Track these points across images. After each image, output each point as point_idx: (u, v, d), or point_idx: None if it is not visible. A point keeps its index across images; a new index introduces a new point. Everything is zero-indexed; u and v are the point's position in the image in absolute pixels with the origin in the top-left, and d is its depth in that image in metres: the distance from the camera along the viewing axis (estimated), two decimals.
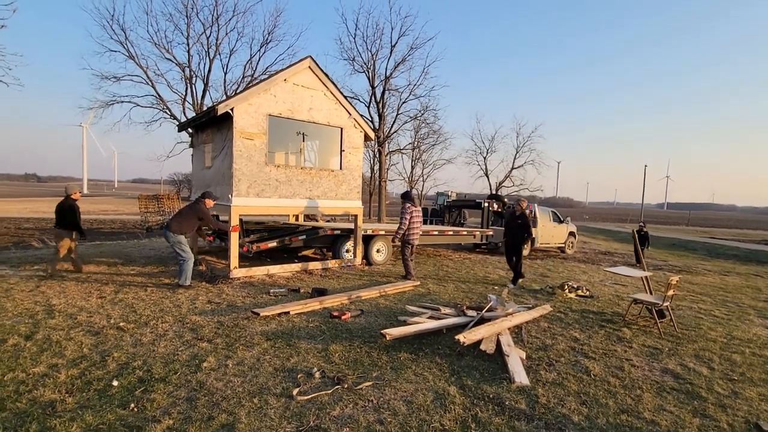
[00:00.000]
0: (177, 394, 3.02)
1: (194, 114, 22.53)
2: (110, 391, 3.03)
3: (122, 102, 21.89)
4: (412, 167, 33.83)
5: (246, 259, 8.40)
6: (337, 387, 3.22)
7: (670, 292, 5.00)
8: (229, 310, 5.26)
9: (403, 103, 25.49)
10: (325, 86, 7.83)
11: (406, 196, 7.52)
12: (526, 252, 12.57)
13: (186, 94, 22.21)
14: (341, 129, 8.17)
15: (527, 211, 7.90)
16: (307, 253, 9.80)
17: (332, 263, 8.36)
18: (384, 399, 3.08)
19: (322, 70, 7.75)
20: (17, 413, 2.69)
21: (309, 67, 7.57)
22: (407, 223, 7.21)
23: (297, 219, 10.44)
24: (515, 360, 3.82)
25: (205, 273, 7.35)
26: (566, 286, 7.18)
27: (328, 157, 8.61)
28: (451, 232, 11.14)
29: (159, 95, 21.81)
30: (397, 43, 24.04)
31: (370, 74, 24.57)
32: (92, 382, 3.15)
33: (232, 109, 6.67)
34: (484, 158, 34.91)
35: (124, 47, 20.71)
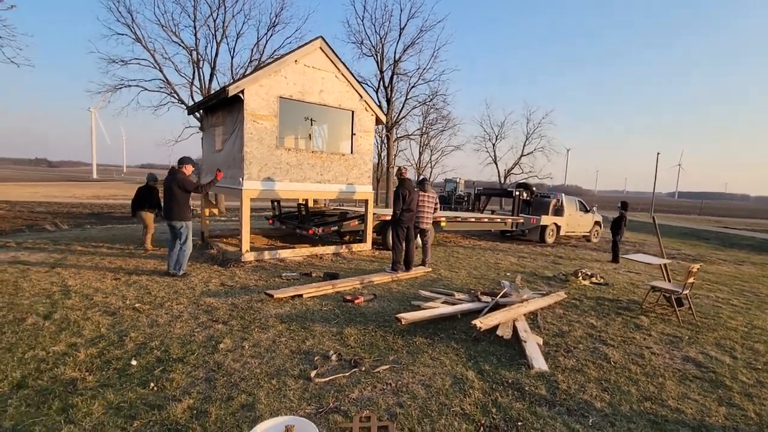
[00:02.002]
0: (195, 375, 3.02)
1: (202, 97, 22.43)
2: (129, 371, 3.04)
3: (130, 86, 21.79)
4: (420, 153, 33.54)
5: (268, 242, 8.44)
6: (354, 370, 3.20)
7: (690, 280, 4.89)
8: (243, 292, 5.26)
9: (412, 87, 25.09)
10: (337, 68, 7.67)
11: (421, 183, 7.38)
12: (550, 239, 12.57)
13: (193, 78, 22.04)
14: (352, 112, 8.03)
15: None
16: (349, 237, 9.85)
17: (342, 248, 8.33)
18: (402, 382, 3.05)
19: (333, 51, 7.58)
20: (39, 390, 2.71)
21: (320, 47, 7.41)
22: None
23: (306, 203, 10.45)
24: (533, 346, 3.77)
25: (217, 256, 7.37)
26: (580, 273, 7.09)
27: (338, 141, 8.51)
28: (486, 219, 11.42)
29: (166, 79, 21.66)
30: (406, 25, 23.54)
31: (379, 58, 24.15)
32: (111, 362, 3.17)
33: (242, 91, 6.57)
34: (493, 145, 34.46)
35: (131, 30, 20.51)
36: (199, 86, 22.39)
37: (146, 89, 21.87)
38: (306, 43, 7.33)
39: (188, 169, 6.00)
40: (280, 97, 7.00)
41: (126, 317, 4.16)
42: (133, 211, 8.01)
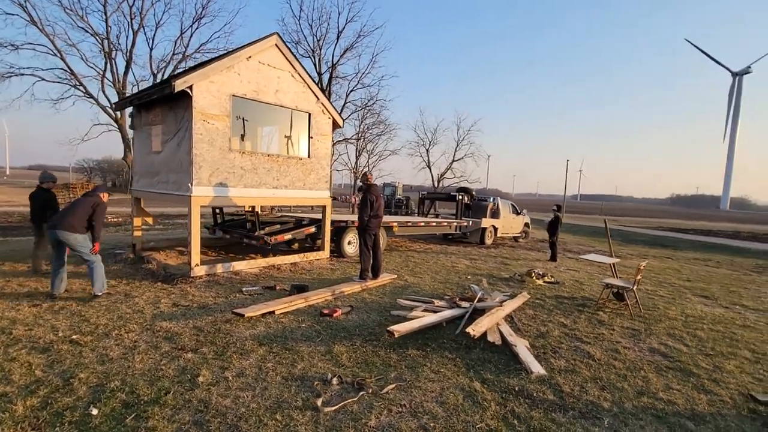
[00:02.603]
0: (180, 419, 2.56)
1: (115, 92, 19.99)
2: (91, 422, 2.47)
3: (22, 75, 18.71)
4: (357, 157, 33.56)
5: (208, 254, 7.61)
6: (361, 393, 2.97)
7: (639, 276, 5.43)
8: (203, 312, 4.67)
9: (351, 91, 25.07)
10: (293, 67, 7.26)
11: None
12: (489, 241, 13.21)
13: (105, 70, 19.63)
14: (309, 114, 7.66)
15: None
16: (297, 246, 9.22)
17: (299, 257, 7.89)
18: (416, 402, 2.90)
19: (289, 49, 7.17)
20: None
21: (276, 44, 6.95)
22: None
23: (252, 210, 9.74)
24: (524, 350, 3.86)
25: (158, 272, 6.51)
26: (533, 274, 7.53)
27: (294, 145, 8.05)
28: (434, 223, 11.56)
29: (70, 69, 19.01)
30: (344, 29, 23.48)
31: (317, 60, 23.73)
32: (63, 413, 2.55)
33: (191, 87, 5.88)
34: (427, 150, 35.81)
35: (23, 10, 17.64)
36: (111, 79, 19.95)
37: (44, 79, 18.97)
38: (260, 39, 6.82)
39: (105, 197, 5.27)
40: (234, 96, 6.41)
41: (64, 353, 3.43)
42: (35, 222, 6.27)
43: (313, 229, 8.32)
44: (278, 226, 8.34)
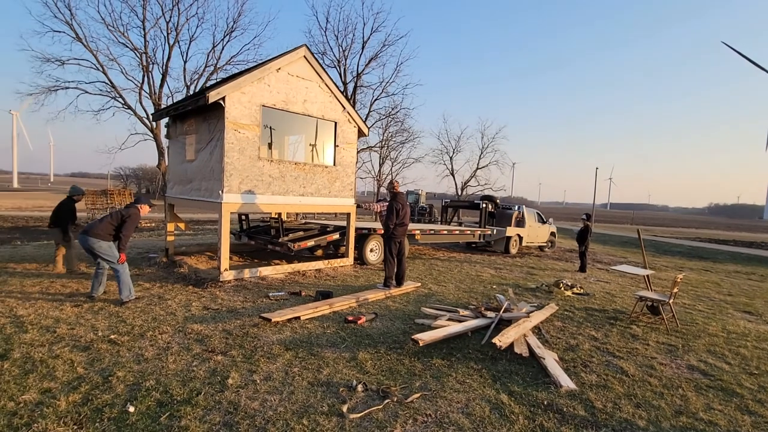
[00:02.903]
0: (211, 419, 2.63)
1: (151, 103, 20.97)
2: (129, 420, 2.57)
3: (68, 88, 19.94)
4: (381, 164, 33.75)
5: (234, 259, 7.83)
6: (386, 401, 2.96)
7: (675, 290, 5.19)
8: (231, 316, 4.80)
9: (375, 100, 25.34)
10: (320, 77, 7.43)
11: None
12: (514, 250, 12.96)
13: (143, 82, 20.65)
14: (335, 123, 7.80)
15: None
16: (320, 252, 9.36)
17: (323, 264, 7.99)
18: (441, 412, 2.87)
19: (317, 60, 7.35)
20: None
21: (304, 56, 7.14)
22: (377, 210, 7.45)
23: (284, 217, 9.95)
24: (552, 363, 3.75)
25: (189, 275, 6.74)
26: (561, 284, 7.33)
27: (321, 153, 8.21)
28: (457, 231, 11.45)
29: (111, 82, 20.12)
30: (369, 39, 23.86)
31: (342, 69, 24.16)
32: (103, 409, 2.67)
33: (223, 98, 6.12)
34: (450, 158, 35.60)
35: (70, 28, 18.85)
36: (148, 91, 20.95)
37: (87, 92, 20.13)
38: (289, 51, 7.03)
39: (145, 210, 5.45)
40: (264, 106, 6.62)
41: (104, 352, 3.60)
42: (62, 226, 6.70)
43: (336, 236, 8.38)
44: (302, 233, 8.45)
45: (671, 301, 5.21)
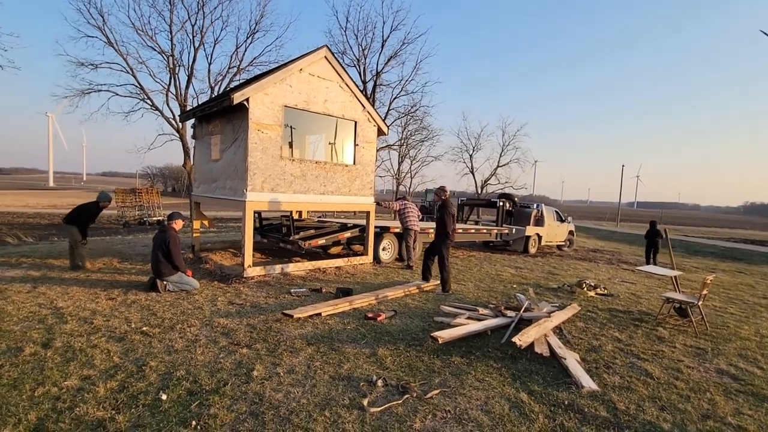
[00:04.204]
0: (238, 409, 2.74)
1: (178, 104, 21.62)
2: (162, 407, 2.72)
3: (100, 91, 20.74)
4: (400, 163, 33.75)
5: (259, 257, 8.01)
6: (406, 396, 3.01)
7: (705, 291, 5.03)
8: (255, 311, 4.95)
9: (395, 98, 25.35)
10: (341, 77, 7.52)
11: (402, 197, 8.81)
12: (533, 250, 12.74)
13: (169, 84, 21.27)
14: (355, 122, 7.89)
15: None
16: (335, 250, 9.47)
17: (343, 261, 8.09)
18: (460, 408, 2.90)
19: (338, 61, 7.44)
20: None
21: (325, 56, 7.25)
22: (397, 207, 8.58)
23: (300, 215, 10.12)
24: (574, 363, 3.72)
25: (214, 271, 6.97)
26: (584, 285, 7.19)
27: (341, 152, 8.31)
28: (473, 230, 11.34)
29: (140, 84, 20.79)
30: (388, 37, 23.86)
31: (361, 69, 24.26)
32: (138, 396, 2.83)
33: (247, 100, 6.29)
34: (470, 156, 35.24)
35: (102, 33, 19.59)
36: (174, 93, 21.58)
37: (117, 94, 20.89)
38: (311, 52, 7.15)
39: (178, 225, 5.95)
40: (286, 106, 6.76)
41: (137, 343, 3.79)
42: (81, 227, 6.78)
43: (347, 234, 8.35)
44: (312, 231, 8.42)
45: (700, 303, 5.04)
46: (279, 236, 8.46)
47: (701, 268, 12.59)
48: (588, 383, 3.36)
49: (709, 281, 5.05)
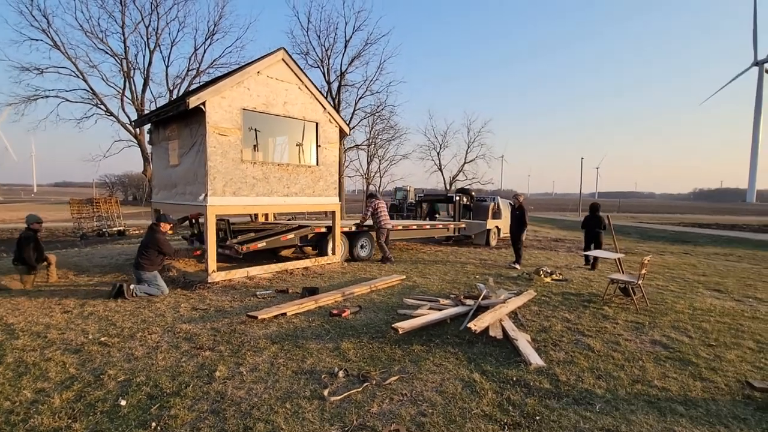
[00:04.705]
0: (199, 408, 2.80)
1: (134, 109, 20.83)
2: (120, 412, 2.73)
3: (48, 97, 19.69)
4: (368, 163, 33.88)
5: (224, 262, 7.88)
6: (365, 384, 3.16)
7: (644, 271, 5.47)
8: (219, 315, 4.95)
9: (360, 98, 25.44)
10: (300, 79, 7.57)
11: (372, 196, 9.47)
12: (494, 242, 13.18)
13: (124, 88, 20.47)
14: (317, 124, 7.95)
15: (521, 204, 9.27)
16: (286, 253, 9.46)
17: (311, 262, 8.15)
18: (416, 392, 3.08)
19: (295, 63, 7.49)
20: None
21: (282, 59, 7.27)
22: (370, 211, 9.02)
23: (266, 218, 10.07)
24: (524, 344, 3.99)
25: (178, 278, 6.86)
26: (541, 272, 7.59)
27: (303, 154, 8.35)
28: (428, 226, 11.45)
29: (92, 89, 19.90)
30: (351, 38, 23.91)
31: (325, 69, 24.20)
32: (95, 404, 2.83)
33: (204, 103, 6.24)
34: (438, 153, 35.87)
35: (47, 36, 18.61)
36: (130, 97, 20.78)
37: (68, 100, 19.91)
38: (268, 54, 7.16)
39: (165, 228, 6.24)
40: (244, 109, 6.75)
41: (94, 353, 3.73)
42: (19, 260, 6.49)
43: (290, 236, 7.97)
44: (252, 234, 7.93)
45: (640, 282, 5.48)
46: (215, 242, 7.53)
47: (653, 252, 13.46)
48: (536, 360, 3.63)
49: (646, 261, 5.49)
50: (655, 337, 4.36)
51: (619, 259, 6.07)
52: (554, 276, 7.48)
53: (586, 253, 6.82)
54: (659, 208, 74.67)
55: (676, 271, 9.08)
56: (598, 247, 8.69)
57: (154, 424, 2.59)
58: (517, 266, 8.82)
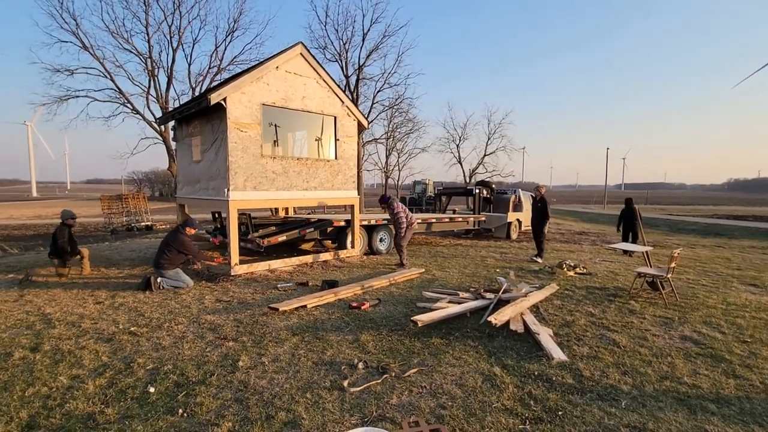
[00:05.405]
0: (223, 396, 2.88)
1: (159, 107, 21.41)
2: (150, 399, 2.84)
3: (78, 97, 20.46)
4: (387, 156, 33.85)
5: (246, 255, 8.05)
6: (384, 376, 3.17)
7: (673, 264, 5.27)
8: (242, 307, 5.07)
9: (378, 92, 25.36)
10: (318, 74, 7.59)
11: (388, 199, 8.00)
12: (514, 235, 12.97)
13: (149, 87, 21.05)
14: (335, 118, 7.98)
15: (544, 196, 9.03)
16: (306, 246, 9.59)
17: (330, 255, 8.22)
18: (436, 384, 3.07)
19: (313, 57, 7.51)
20: (54, 430, 2.47)
21: (301, 53, 7.31)
22: (402, 215, 7.65)
23: (286, 212, 10.20)
24: (546, 338, 3.91)
25: (202, 271, 7.05)
26: (564, 265, 7.42)
27: (322, 148, 8.40)
28: (447, 219, 11.37)
29: (119, 88, 20.55)
30: (369, 30, 23.79)
31: (343, 63, 24.19)
32: (126, 391, 2.95)
33: (224, 99, 6.34)
34: (457, 146, 35.46)
35: (76, 37, 19.30)
36: (155, 95, 21.35)
37: (96, 99, 20.64)
38: (286, 49, 7.21)
39: (190, 233, 6.34)
40: (264, 105, 6.83)
41: (125, 342, 3.89)
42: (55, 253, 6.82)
43: (310, 230, 8.12)
44: (273, 228, 8.08)
45: (669, 275, 5.28)
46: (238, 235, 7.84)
47: (683, 245, 12.95)
48: (558, 355, 3.56)
49: (676, 254, 5.28)
50: (685, 333, 4.20)
51: (646, 251, 5.86)
52: (578, 269, 7.30)
53: (613, 246, 6.62)
54: (690, 200, 71.72)
55: (709, 265, 8.71)
56: (635, 239, 8.61)
57: (180, 410, 2.68)
58: (539, 260, 8.63)
